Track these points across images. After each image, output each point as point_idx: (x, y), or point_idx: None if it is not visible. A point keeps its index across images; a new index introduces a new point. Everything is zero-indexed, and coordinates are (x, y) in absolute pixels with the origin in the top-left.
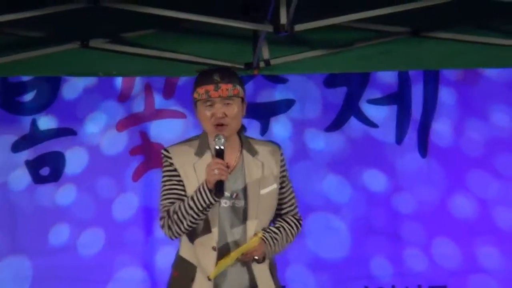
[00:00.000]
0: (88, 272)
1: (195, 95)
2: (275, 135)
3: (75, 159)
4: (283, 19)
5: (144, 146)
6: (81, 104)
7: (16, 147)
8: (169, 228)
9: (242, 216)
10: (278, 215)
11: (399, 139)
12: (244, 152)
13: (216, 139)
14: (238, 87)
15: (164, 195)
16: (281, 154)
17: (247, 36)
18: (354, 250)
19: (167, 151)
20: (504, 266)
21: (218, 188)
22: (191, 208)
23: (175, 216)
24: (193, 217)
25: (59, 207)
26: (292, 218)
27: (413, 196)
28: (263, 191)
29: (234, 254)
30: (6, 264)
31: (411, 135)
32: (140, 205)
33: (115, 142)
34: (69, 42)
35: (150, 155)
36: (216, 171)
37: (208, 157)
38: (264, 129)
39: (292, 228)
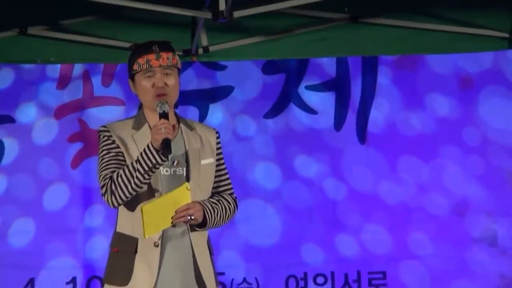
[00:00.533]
0: (19, 260)
1: (135, 66)
2: (214, 122)
3: (12, 147)
4: (222, 6)
5: (83, 133)
6: (19, 91)
7: None
8: (112, 193)
9: (182, 181)
10: (215, 193)
11: (338, 126)
12: (182, 125)
13: (160, 104)
14: (177, 57)
15: (104, 165)
16: (217, 135)
17: (185, 22)
18: (286, 236)
19: (104, 126)
20: (435, 252)
21: (165, 147)
22: (137, 170)
23: (120, 180)
24: (138, 179)
25: None
26: (229, 197)
27: (347, 183)
28: (204, 162)
29: (161, 201)
30: None
31: (350, 122)
32: (77, 192)
33: (53, 129)
34: (7, 29)
35: (89, 142)
36: (163, 130)
37: (146, 129)
38: (203, 116)
39: (230, 204)
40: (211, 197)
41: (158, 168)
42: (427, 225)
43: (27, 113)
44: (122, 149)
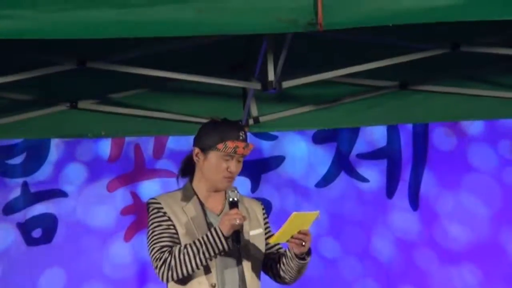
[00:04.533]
0: None
1: (220, 146)
2: (265, 192)
3: (67, 221)
4: (271, 76)
5: (136, 206)
6: (72, 165)
7: (8, 210)
8: (170, 269)
9: (235, 255)
10: (272, 258)
11: (390, 193)
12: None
13: (230, 192)
14: None
15: (157, 238)
16: (262, 206)
17: (235, 93)
18: None
19: (154, 199)
20: None
21: (236, 238)
22: (202, 252)
23: (182, 257)
24: (201, 260)
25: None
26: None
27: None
28: (253, 233)
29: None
30: None
31: (402, 189)
32: (133, 265)
33: (106, 203)
34: (58, 104)
35: (141, 214)
36: (237, 221)
37: (195, 201)
38: (255, 186)
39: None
40: (272, 263)
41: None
42: None
43: (80, 187)
44: (173, 220)
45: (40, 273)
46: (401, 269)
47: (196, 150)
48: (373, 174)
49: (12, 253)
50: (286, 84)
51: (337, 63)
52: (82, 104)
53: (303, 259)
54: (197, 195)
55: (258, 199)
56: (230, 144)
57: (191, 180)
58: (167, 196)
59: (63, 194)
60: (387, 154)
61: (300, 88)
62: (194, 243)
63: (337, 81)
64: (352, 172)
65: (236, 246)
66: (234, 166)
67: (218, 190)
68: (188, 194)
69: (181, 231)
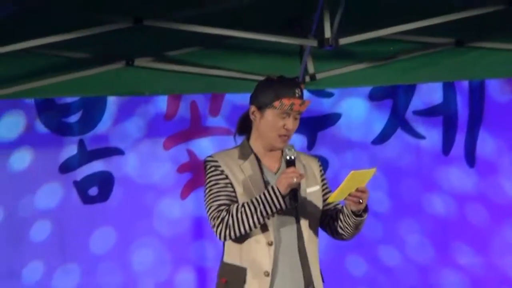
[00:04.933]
0: None
1: (276, 104)
2: (322, 149)
3: (123, 179)
4: (328, 33)
5: (192, 163)
6: (128, 123)
7: (64, 168)
8: (228, 227)
9: (292, 213)
10: (330, 214)
11: (446, 150)
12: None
13: (287, 150)
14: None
15: (215, 196)
16: (319, 163)
17: (292, 51)
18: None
19: (211, 156)
20: None
21: (294, 196)
22: (259, 211)
23: (239, 216)
24: (258, 219)
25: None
26: None
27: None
28: (310, 190)
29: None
30: None
31: (458, 146)
32: (188, 222)
33: (163, 160)
34: (114, 62)
35: (198, 172)
36: (295, 180)
37: (252, 159)
38: (311, 144)
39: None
40: (329, 221)
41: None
42: None
43: (136, 145)
44: (231, 178)
45: (93, 231)
46: (455, 226)
47: (253, 108)
48: (429, 131)
49: (68, 212)
50: (342, 41)
51: (393, 20)
52: (138, 62)
53: (360, 216)
54: (254, 153)
55: (314, 156)
56: (286, 102)
57: (248, 139)
58: (224, 154)
59: (119, 152)
60: (443, 111)
61: (356, 45)
62: (252, 201)
63: (393, 38)
64: (409, 129)
65: (294, 205)
66: (291, 123)
67: (274, 148)
68: (245, 152)
69: (238, 189)
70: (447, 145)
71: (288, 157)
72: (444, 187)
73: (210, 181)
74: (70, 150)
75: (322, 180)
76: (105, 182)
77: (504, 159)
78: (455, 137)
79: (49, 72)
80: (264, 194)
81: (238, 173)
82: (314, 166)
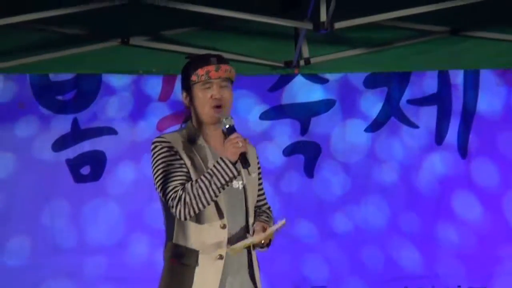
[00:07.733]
0: None
1: (193, 78)
2: (315, 135)
3: (115, 159)
4: (323, 17)
5: None
6: (122, 102)
7: (57, 146)
8: (185, 205)
9: (241, 196)
10: (256, 206)
11: (439, 140)
12: None
13: (224, 120)
14: (233, 70)
15: (171, 177)
16: (257, 154)
17: (287, 34)
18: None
19: (163, 137)
20: None
21: (244, 160)
22: (213, 183)
23: (195, 192)
24: (214, 192)
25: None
26: (270, 211)
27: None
28: (253, 175)
29: (263, 236)
30: None
31: (451, 136)
32: None
33: None
34: (110, 39)
35: None
36: (240, 144)
37: (201, 142)
38: (305, 129)
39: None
40: (259, 213)
41: (233, 181)
42: None
43: (130, 125)
44: (185, 159)
45: (84, 209)
46: (444, 213)
47: (184, 94)
48: (423, 120)
49: (60, 190)
50: (338, 25)
51: (389, 6)
52: (134, 40)
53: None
54: (201, 135)
55: (308, 142)
56: (200, 72)
57: (191, 120)
58: (174, 136)
59: (112, 131)
60: (438, 100)
61: (352, 31)
62: (205, 176)
63: (389, 25)
64: (402, 118)
65: (245, 168)
66: (217, 91)
67: (213, 122)
68: (192, 133)
69: (191, 169)
70: (440, 134)
71: (227, 126)
72: (435, 175)
73: (163, 162)
74: (64, 128)
75: (259, 169)
76: (98, 161)
77: (496, 150)
78: (448, 127)
79: (44, 47)
80: (214, 166)
81: (190, 154)
82: (253, 154)
